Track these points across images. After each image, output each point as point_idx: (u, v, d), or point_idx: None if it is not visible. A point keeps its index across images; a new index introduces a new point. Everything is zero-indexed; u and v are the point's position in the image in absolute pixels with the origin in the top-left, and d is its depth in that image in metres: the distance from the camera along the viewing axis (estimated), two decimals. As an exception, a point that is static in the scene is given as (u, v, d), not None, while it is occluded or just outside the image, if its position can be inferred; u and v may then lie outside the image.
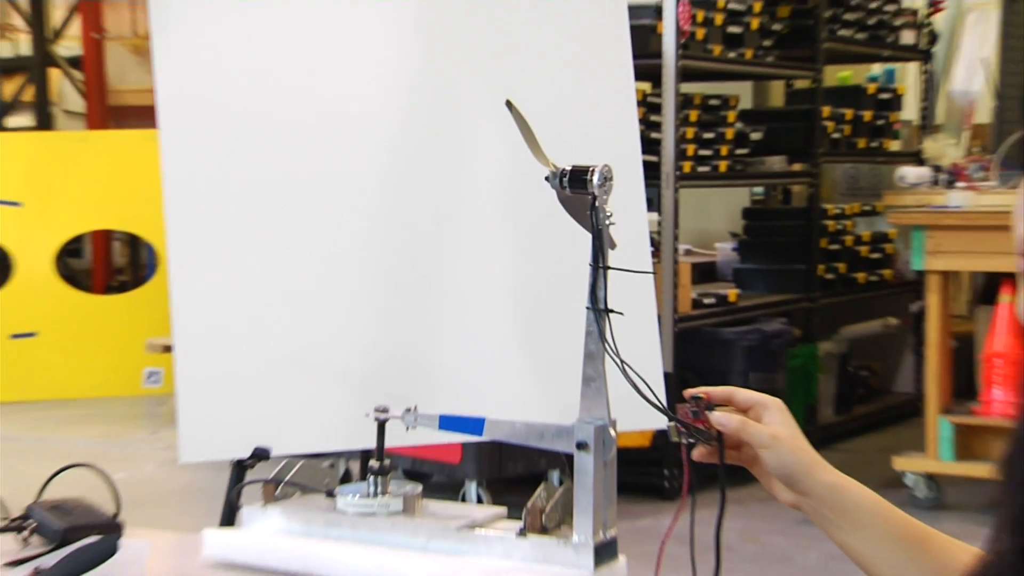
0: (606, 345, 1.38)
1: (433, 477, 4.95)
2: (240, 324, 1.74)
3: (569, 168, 1.40)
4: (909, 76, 7.01)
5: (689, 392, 1.31)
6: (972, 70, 6.74)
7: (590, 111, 1.88)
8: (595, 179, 1.39)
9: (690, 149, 5.30)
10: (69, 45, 8.82)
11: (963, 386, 5.24)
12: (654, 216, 5.09)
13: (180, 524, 1.56)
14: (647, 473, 4.85)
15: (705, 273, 5.91)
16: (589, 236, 1.41)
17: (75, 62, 8.61)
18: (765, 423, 1.30)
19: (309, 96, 1.79)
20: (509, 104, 1.44)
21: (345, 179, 1.78)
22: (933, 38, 6.77)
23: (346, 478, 1.60)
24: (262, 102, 1.77)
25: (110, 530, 1.44)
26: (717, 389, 1.33)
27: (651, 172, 5.04)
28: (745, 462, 1.32)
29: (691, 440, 1.30)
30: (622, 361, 1.36)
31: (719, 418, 1.29)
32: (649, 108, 5.21)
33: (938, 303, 4.87)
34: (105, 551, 1.26)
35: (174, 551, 1.56)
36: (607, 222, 1.41)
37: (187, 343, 1.74)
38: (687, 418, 1.29)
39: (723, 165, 5.50)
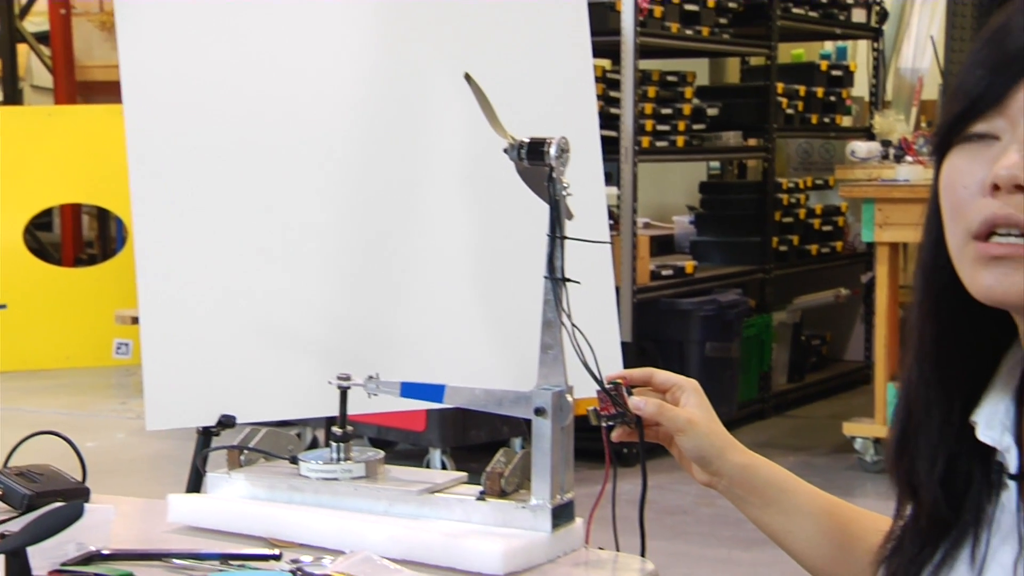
0: (562, 313, 1.38)
1: (398, 445, 4.95)
2: (205, 294, 1.73)
3: (527, 140, 1.40)
4: (860, 53, 7.04)
5: (610, 376, 1.34)
6: (920, 48, 6.78)
7: (548, 86, 1.87)
8: (552, 151, 1.39)
9: (648, 124, 5.31)
10: (36, 21, 8.71)
11: (903, 366, 5.27)
12: (613, 190, 5.10)
13: (149, 491, 1.55)
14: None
15: (663, 245, 5.92)
16: (547, 207, 1.40)
17: (43, 38, 8.50)
18: (682, 405, 1.33)
19: (273, 70, 1.77)
20: (468, 78, 1.44)
21: (309, 152, 1.77)
22: (883, 16, 6.79)
23: (313, 446, 1.59)
24: (226, 76, 1.75)
25: (76, 496, 1.43)
26: (637, 371, 1.36)
27: (610, 147, 5.04)
28: (662, 440, 1.34)
29: (610, 424, 1.33)
30: (574, 327, 1.37)
31: (637, 402, 1.32)
32: (608, 84, 5.20)
33: (887, 274, 4.91)
34: (70, 515, 1.24)
35: (139, 515, 1.55)
36: (564, 193, 1.40)
37: (153, 313, 1.73)
38: (607, 403, 1.33)
39: (680, 140, 5.50)
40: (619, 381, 1.34)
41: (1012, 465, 1.04)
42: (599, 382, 1.34)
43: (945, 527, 1.07)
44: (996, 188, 0.98)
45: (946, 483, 1.07)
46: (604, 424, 1.34)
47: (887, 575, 1.12)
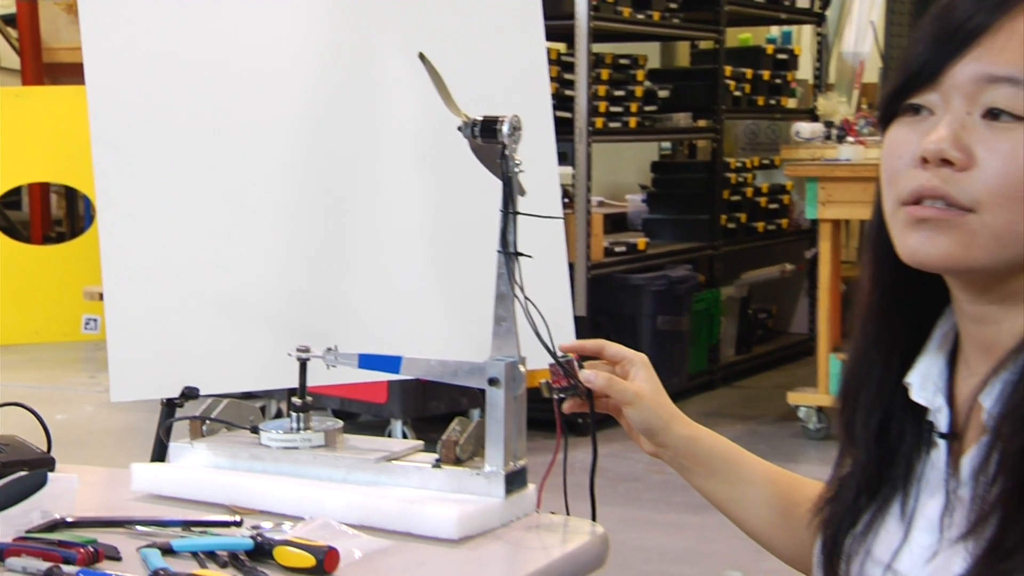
0: (514, 286, 1.38)
1: (361, 416, 4.94)
2: (167, 269, 1.71)
3: (480, 118, 1.39)
4: (804, 38, 7.07)
5: (563, 347, 1.34)
6: (861, 32, 6.81)
7: (502, 66, 1.86)
8: (505, 129, 1.38)
9: (602, 106, 5.30)
10: (4, 4, 8.58)
11: (852, 326, 5.32)
12: (568, 170, 5.09)
13: (117, 461, 1.54)
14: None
15: (616, 223, 5.93)
16: (500, 183, 1.40)
17: (10, 20, 8.38)
18: (631, 379, 1.33)
19: (232, 50, 1.75)
20: (422, 57, 1.43)
21: (267, 129, 1.75)
22: (826, 2, 6.82)
23: (278, 418, 1.58)
24: (185, 56, 1.73)
25: (41, 465, 1.42)
26: (590, 342, 1.37)
27: (565, 128, 5.04)
28: (612, 411, 1.35)
29: (561, 396, 1.34)
30: (527, 299, 1.36)
31: (588, 375, 1.33)
32: (563, 67, 5.19)
33: (830, 250, 4.94)
34: (34, 484, 1.23)
35: (104, 484, 1.54)
36: (516, 170, 1.40)
37: (116, 288, 1.71)
38: (559, 375, 1.33)
39: (633, 121, 5.51)
40: (571, 356, 1.34)
41: (942, 424, 1.06)
42: (552, 354, 1.34)
43: (879, 480, 1.09)
44: (925, 161, 0.99)
45: (881, 439, 1.09)
46: (556, 396, 1.34)
47: (824, 520, 1.14)
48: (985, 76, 0.98)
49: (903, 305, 1.09)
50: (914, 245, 1.01)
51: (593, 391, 1.32)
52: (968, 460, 1.02)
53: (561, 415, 1.34)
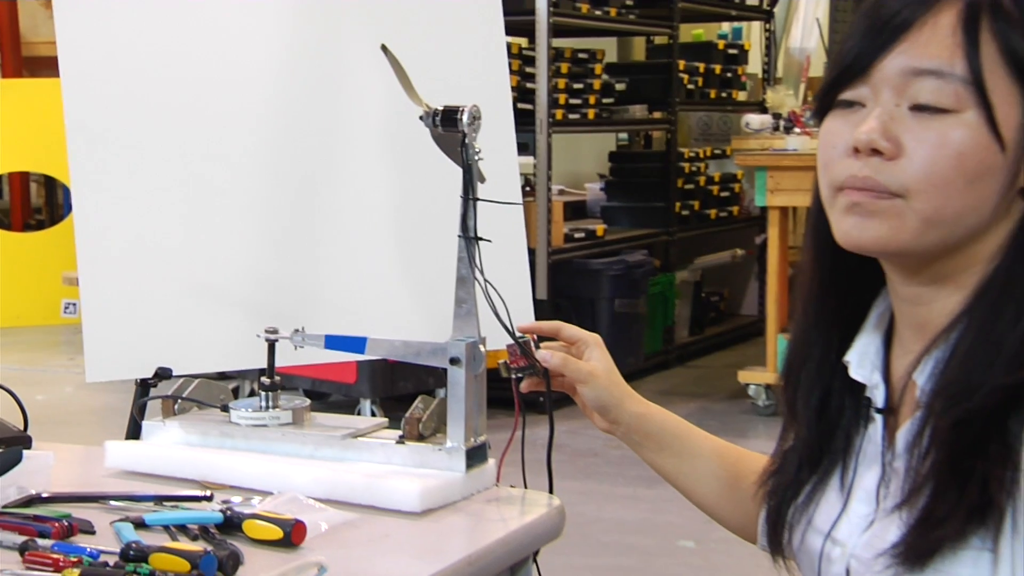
0: (475, 270, 1.37)
1: (331, 396, 4.93)
2: (140, 253, 1.69)
3: (441, 108, 1.38)
4: (754, 34, 7.09)
5: (521, 327, 1.35)
6: (807, 29, 6.84)
7: (464, 59, 1.85)
8: (464, 118, 1.37)
9: (562, 98, 5.30)
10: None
11: (794, 308, 5.35)
12: (530, 159, 5.09)
13: (96, 440, 1.52)
14: (523, 389, 4.87)
15: (576, 210, 5.94)
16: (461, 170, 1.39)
17: (-10, 15, 8.27)
18: (585, 359, 1.34)
19: (201, 39, 1.73)
20: (384, 49, 1.41)
21: (235, 117, 1.73)
22: (774, 0, 6.84)
23: (251, 397, 1.57)
24: (155, 46, 1.70)
25: (17, 443, 1.40)
26: (546, 324, 1.38)
27: (527, 119, 5.03)
28: (567, 390, 1.36)
29: (519, 375, 1.34)
30: (487, 282, 1.36)
31: (544, 355, 1.33)
32: (524, 61, 5.19)
33: (778, 235, 4.97)
34: (9, 461, 1.22)
35: (79, 461, 1.52)
36: (476, 158, 1.39)
37: (91, 272, 1.69)
38: (517, 356, 1.34)
39: (591, 113, 5.51)
40: (528, 336, 1.34)
41: (879, 400, 1.07)
42: (511, 334, 1.34)
43: (819, 453, 1.10)
44: (857, 150, 1.00)
45: (821, 414, 1.10)
46: (513, 376, 1.35)
47: (768, 491, 1.15)
48: (911, 70, 0.99)
49: (841, 287, 1.11)
50: (848, 229, 1.02)
51: (549, 370, 1.32)
52: (903, 434, 1.03)
53: (519, 394, 1.34)
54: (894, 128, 0.99)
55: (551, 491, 1.39)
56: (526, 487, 1.40)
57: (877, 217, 1.00)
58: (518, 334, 1.34)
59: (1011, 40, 0.97)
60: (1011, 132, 0.97)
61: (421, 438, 1.40)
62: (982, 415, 0.95)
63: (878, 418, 1.07)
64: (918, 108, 0.98)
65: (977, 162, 0.97)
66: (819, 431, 1.10)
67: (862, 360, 1.08)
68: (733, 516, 1.31)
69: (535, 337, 1.35)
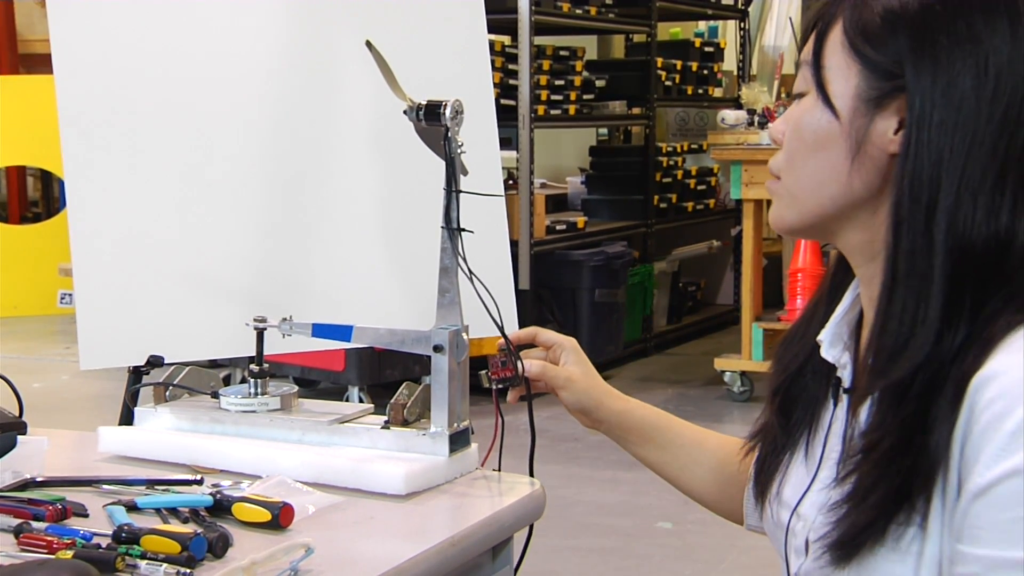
0: (458, 260, 1.37)
1: (320, 383, 4.91)
2: (132, 243, 1.68)
3: (424, 102, 1.37)
4: (729, 32, 7.09)
5: (500, 343, 1.36)
6: (781, 28, 6.85)
7: (446, 55, 1.84)
8: (447, 112, 1.37)
9: (543, 94, 5.29)
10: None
11: (773, 298, 5.37)
12: (513, 154, 5.08)
13: (91, 426, 1.51)
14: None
15: (557, 203, 5.94)
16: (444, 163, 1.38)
17: (-14, 13, 8.21)
18: (562, 364, 1.36)
19: (193, 36, 1.71)
20: (369, 44, 1.41)
21: (227, 110, 1.72)
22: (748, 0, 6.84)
23: (242, 384, 1.56)
24: (149, 42, 1.69)
25: (12, 429, 1.39)
26: (524, 332, 1.40)
27: (509, 114, 5.03)
28: (550, 391, 1.37)
29: (500, 386, 1.36)
30: (470, 271, 1.36)
31: (523, 365, 1.34)
32: (507, 58, 5.17)
33: (753, 227, 4.97)
34: (5, 446, 1.21)
35: (73, 446, 1.51)
36: (459, 151, 1.38)
37: (84, 261, 1.67)
38: (497, 368, 1.35)
39: (572, 109, 5.50)
40: (511, 348, 1.35)
41: (847, 379, 1.07)
42: (504, 336, 1.35)
43: (790, 428, 1.11)
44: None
45: (792, 392, 1.11)
46: (495, 387, 1.36)
47: (753, 470, 1.16)
48: (799, 64, 1.06)
49: (833, 270, 1.13)
50: (770, 216, 1.10)
51: (529, 380, 1.34)
52: (864, 411, 1.03)
53: (499, 403, 1.35)
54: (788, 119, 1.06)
55: (531, 474, 1.39)
56: (499, 469, 1.40)
57: (774, 201, 1.08)
58: (500, 344, 1.35)
59: (859, 17, 1.00)
60: (845, 101, 1.01)
61: (406, 423, 1.39)
62: (903, 389, 0.94)
63: (845, 397, 1.07)
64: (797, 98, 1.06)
65: (813, 132, 1.02)
66: (792, 407, 1.11)
67: (834, 340, 1.08)
68: (719, 501, 1.32)
69: (516, 343, 1.36)
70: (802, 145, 1.03)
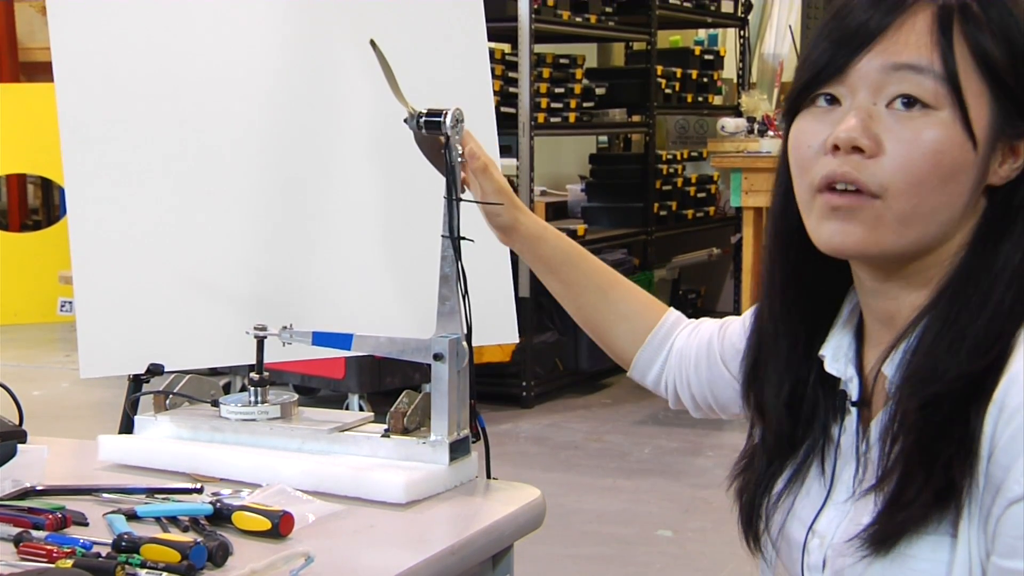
0: (458, 268, 1.37)
1: (320, 391, 4.91)
2: (132, 251, 1.68)
3: (424, 111, 1.37)
4: (729, 40, 7.10)
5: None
6: (781, 36, 6.85)
7: (447, 62, 1.84)
8: (447, 121, 1.37)
9: (543, 102, 5.29)
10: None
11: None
12: (513, 161, 5.08)
13: (91, 434, 1.51)
14: (506, 384, 4.87)
15: (558, 210, 5.93)
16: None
17: (-12, 21, 8.22)
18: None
19: (194, 43, 1.71)
20: (373, 44, 1.40)
21: (229, 116, 1.72)
22: (748, 7, 6.85)
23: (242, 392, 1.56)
24: (148, 48, 1.69)
25: (12, 438, 1.39)
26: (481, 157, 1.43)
27: (509, 122, 5.03)
28: (473, 172, 1.41)
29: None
30: (465, 290, 1.36)
31: (475, 149, 1.40)
32: (507, 66, 5.18)
33: (753, 235, 4.97)
34: (5, 455, 1.21)
35: (73, 455, 1.51)
36: (459, 159, 1.38)
37: (85, 270, 1.67)
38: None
39: (572, 116, 5.50)
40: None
41: (854, 393, 1.06)
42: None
43: (790, 446, 1.09)
44: (836, 148, 0.99)
45: (792, 406, 1.09)
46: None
47: (739, 488, 1.14)
48: (890, 65, 0.97)
49: (807, 282, 1.09)
50: (830, 235, 1.00)
51: (465, 160, 1.39)
52: (875, 424, 1.03)
53: (478, 413, 1.38)
54: (873, 126, 0.97)
55: (488, 471, 1.39)
56: (489, 476, 1.40)
57: (856, 221, 0.98)
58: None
59: (981, 41, 0.97)
60: (982, 131, 0.96)
61: (406, 432, 1.39)
62: (947, 401, 0.94)
63: (853, 410, 1.06)
64: (901, 105, 0.97)
65: (951, 160, 0.96)
66: (791, 424, 1.09)
67: (836, 354, 1.07)
68: (613, 345, 1.38)
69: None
70: (937, 172, 0.96)
